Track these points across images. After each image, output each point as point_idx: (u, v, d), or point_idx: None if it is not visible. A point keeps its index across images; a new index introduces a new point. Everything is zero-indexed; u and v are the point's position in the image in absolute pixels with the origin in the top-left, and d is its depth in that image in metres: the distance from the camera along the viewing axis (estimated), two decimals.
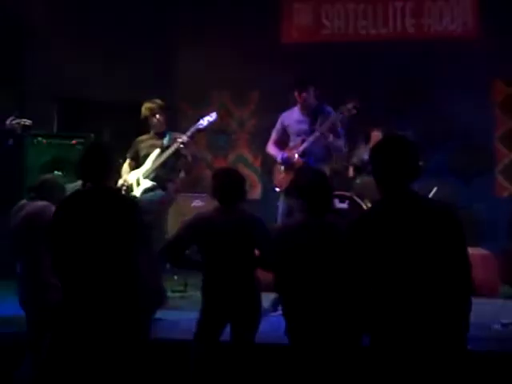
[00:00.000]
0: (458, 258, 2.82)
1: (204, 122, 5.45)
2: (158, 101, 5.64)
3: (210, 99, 8.33)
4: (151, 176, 5.48)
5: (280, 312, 4.84)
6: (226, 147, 8.36)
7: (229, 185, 3.81)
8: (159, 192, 5.48)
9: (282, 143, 5.60)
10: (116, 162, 3.80)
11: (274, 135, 5.62)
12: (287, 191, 5.33)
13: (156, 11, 7.80)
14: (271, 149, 5.62)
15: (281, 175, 5.47)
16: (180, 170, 5.64)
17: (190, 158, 5.49)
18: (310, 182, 3.67)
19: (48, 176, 4.63)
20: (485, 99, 7.76)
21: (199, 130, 5.48)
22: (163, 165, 5.48)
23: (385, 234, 2.81)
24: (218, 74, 7.96)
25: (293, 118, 5.51)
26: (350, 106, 5.33)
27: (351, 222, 3.02)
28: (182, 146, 5.35)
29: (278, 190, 5.54)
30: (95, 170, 3.42)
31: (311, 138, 5.36)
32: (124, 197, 3.72)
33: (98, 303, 3.24)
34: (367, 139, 7.39)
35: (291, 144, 5.51)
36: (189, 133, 5.40)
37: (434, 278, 2.77)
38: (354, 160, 7.19)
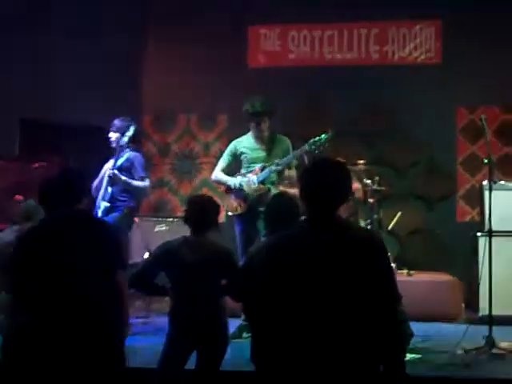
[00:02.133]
0: (379, 289, 2.60)
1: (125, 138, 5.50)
2: (115, 120, 5.67)
3: (177, 123, 8.33)
4: (107, 197, 5.46)
5: (244, 338, 4.86)
6: (190, 172, 8.34)
7: (201, 214, 3.79)
8: (115, 214, 5.45)
9: (228, 171, 5.61)
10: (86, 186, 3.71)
11: (222, 162, 5.62)
12: (242, 216, 5.38)
13: (122, 35, 7.77)
14: (220, 175, 5.61)
15: (236, 200, 5.47)
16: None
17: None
18: (278, 209, 3.70)
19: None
20: (447, 125, 7.89)
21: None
22: (113, 184, 5.48)
23: (295, 259, 2.62)
24: (186, 97, 7.97)
25: (247, 145, 5.52)
26: (324, 140, 5.34)
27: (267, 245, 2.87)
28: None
29: (230, 213, 5.57)
30: (66, 195, 3.32)
31: (274, 167, 5.37)
32: (102, 220, 3.60)
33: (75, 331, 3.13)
34: None
35: (243, 171, 5.53)
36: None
37: (350, 312, 2.57)
38: None
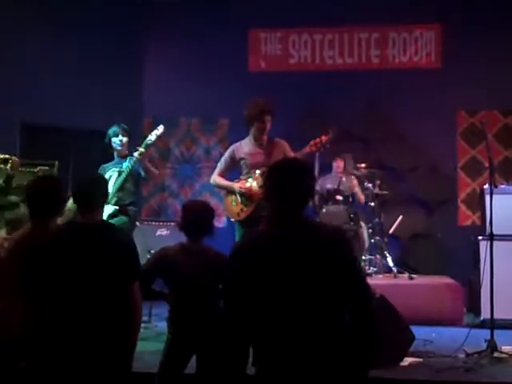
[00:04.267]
0: (348, 286, 2.60)
1: (152, 136, 5.47)
2: (122, 125, 5.65)
3: (178, 127, 8.34)
4: (113, 201, 5.44)
5: None
6: (191, 176, 8.34)
7: (197, 220, 3.77)
8: (122, 218, 5.43)
9: (226, 175, 5.60)
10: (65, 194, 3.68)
11: (221, 167, 5.60)
12: (244, 221, 5.35)
13: (122, 39, 7.79)
14: (220, 180, 5.59)
15: (237, 206, 5.44)
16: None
17: (152, 169, 5.54)
18: None
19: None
20: (448, 129, 7.91)
21: (149, 145, 5.49)
22: (121, 188, 5.46)
23: (260, 261, 2.62)
24: (187, 101, 7.98)
25: (246, 151, 5.50)
26: (325, 141, 5.33)
27: (233, 248, 2.79)
28: (134, 164, 5.36)
29: (233, 219, 5.55)
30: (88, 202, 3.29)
31: None
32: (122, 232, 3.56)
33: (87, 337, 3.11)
34: (329, 168, 7.46)
35: (242, 176, 5.51)
36: (139, 150, 5.41)
37: (320, 309, 2.58)
38: (318, 189, 7.23)
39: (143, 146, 5.42)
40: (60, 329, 3.13)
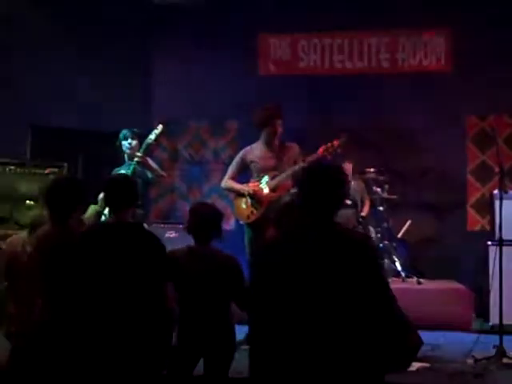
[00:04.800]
0: (373, 294, 2.64)
1: (152, 136, 5.48)
2: (134, 128, 5.66)
3: (188, 130, 8.35)
4: None
5: None
6: (200, 178, 8.35)
7: (204, 223, 3.76)
8: None
9: (237, 178, 5.61)
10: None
11: (232, 170, 5.62)
12: (254, 224, 5.37)
13: (133, 43, 7.82)
14: (231, 183, 5.60)
15: (247, 209, 5.45)
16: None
17: (158, 170, 5.52)
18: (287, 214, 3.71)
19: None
20: (458, 133, 7.88)
21: (149, 145, 5.50)
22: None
23: (288, 265, 2.65)
24: (196, 104, 7.99)
25: (257, 154, 5.51)
26: (337, 146, 5.33)
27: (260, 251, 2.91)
28: (137, 165, 5.35)
29: (242, 222, 5.56)
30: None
31: (285, 175, 5.37)
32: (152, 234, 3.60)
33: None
34: None
35: (253, 179, 5.52)
36: (141, 150, 5.41)
37: (344, 315, 2.60)
38: None
39: (143, 146, 5.44)
40: (92, 325, 3.13)
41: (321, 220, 2.71)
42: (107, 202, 3.51)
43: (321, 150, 5.31)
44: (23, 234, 3.97)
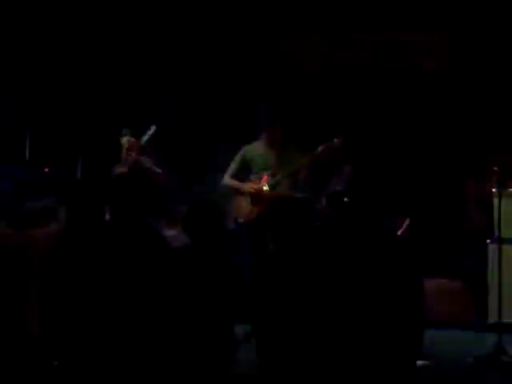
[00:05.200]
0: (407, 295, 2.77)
1: (145, 137, 5.48)
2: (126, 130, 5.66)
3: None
4: None
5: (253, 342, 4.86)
6: None
7: (203, 221, 3.71)
8: None
9: (238, 176, 5.61)
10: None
11: (232, 168, 5.62)
12: (253, 222, 5.37)
13: (136, 49, 7.82)
14: (230, 181, 5.60)
15: (247, 207, 5.46)
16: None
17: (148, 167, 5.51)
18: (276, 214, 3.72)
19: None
20: None
21: (143, 147, 5.50)
22: None
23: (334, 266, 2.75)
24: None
25: (258, 152, 5.52)
26: (336, 145, 5.34)
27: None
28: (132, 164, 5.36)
29: (241, 220, 5.55)
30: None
31: (285, 173, 5.38)
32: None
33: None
34: (339, 170, 7.44)
35: (253, 177, 5.52)
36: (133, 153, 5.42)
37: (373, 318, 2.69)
38: (326, 191, 7.20)
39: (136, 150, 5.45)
40: (92, 328, 3.11)
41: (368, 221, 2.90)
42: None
43: (320, 149, 5.32)
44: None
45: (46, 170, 6.21)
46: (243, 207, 5.49)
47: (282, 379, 2.76)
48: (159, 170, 5.77)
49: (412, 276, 2.80)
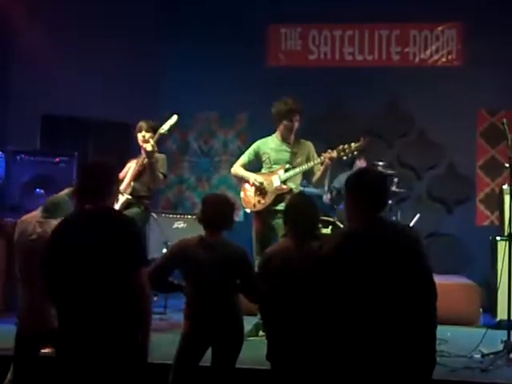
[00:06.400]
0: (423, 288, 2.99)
1: (165, 126, 5.44)
2: (151, 120, 5.61)
3: (197, 121, 8.35)
4: (128, 191, 5.47)
5: (261, 336, 4.87)
6: (209, 170, 8.36)
7: (216, 214, 3.77)
8: (134, 210, 5.43)
9: (248, 168, 5.61)
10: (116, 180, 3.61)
11: (244, 159, 5.62)
12: (260, 212, 5.39)
13: (143, 32, 7.82)
14: (240, 170, 5.60)
15: (255, 197, 5.46)
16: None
17: (155, 174, 5.45)
18: (298, 208, 3.71)
19: (60, 196, 4.42)
20: (468, 128, 7.85)
21: (162, 135, 5.47)
22: (136, 178, 5.48)
23: (365, 260, 2.91)
24: (205, 95, 7.98)
25: (272, 146, 5.52)
26: (354, 148, 5.31)
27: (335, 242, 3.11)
28: (147, 155, 5.31)
29: (248, 211, 5.57)
30: (96, 190, 3.23)
31: (298, 169, 5.38)
32: (127, 219, 3.41)
33: (98, 327, 3.07)
34: (351, 165, 7.43)
35: (264, 171, 5.52)
36: (152, 141, 5.37)
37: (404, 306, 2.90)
38: (336, 185, 7.21)
39: (156, 137, 5.41)
40: (70, 315, 3.14)
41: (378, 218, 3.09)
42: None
43: (336, 150, 5.29)
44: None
45: (57, 160, 6.24)
46: (251, 197, 5.50)
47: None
48: (162, 182, 5.69)
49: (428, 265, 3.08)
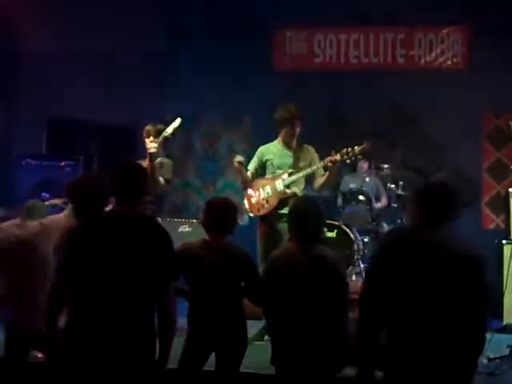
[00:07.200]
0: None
1: (169, 129, 5.41)
2: (159, 125, 5.58)
3: (202, 124, 8.35)
4: None
5: (266, 341, 4.86)
6: (214, 173, 8.36)
7: (220, 218, 3.77)
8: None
9: (254, 175, 5.61)
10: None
11: (251, 169, 5.62)
12: (263, 217, 5.39)
13: (148, 36, 7.83)
14: (245, 173, 5.61)
15: (259, 202, 5.47)
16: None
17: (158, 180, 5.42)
18: (302, 211, 3.70)
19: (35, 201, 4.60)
20: (473, 130, 7.83)
21: (165, 138, 5.44)
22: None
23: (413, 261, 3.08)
24: (210, 99, 7.98)
25: (274, 151, 5.53)
26: (358, 152, 5.30)
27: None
28: (149, 157, 5.29)
29: (252, 215, 5.57)
30: (134, 193, 3.22)
31: (301, 173, 5.38)
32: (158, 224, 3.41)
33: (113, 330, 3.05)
34: (354, 168, 7.43)
35: (268, 176, 5.52)
36: (156, 144, 5.35)
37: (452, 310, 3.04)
38: (341, 189, 7.20)
39: (159, 140, 5.38)
40: (90, 318, 3.10)
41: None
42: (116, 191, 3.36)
43: (339, 153, 5.28)
44: None
45: (63, 164, 6.26)
46: (255, 202, 5.49)
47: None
48: (163, 188, 5.65)
49: None
